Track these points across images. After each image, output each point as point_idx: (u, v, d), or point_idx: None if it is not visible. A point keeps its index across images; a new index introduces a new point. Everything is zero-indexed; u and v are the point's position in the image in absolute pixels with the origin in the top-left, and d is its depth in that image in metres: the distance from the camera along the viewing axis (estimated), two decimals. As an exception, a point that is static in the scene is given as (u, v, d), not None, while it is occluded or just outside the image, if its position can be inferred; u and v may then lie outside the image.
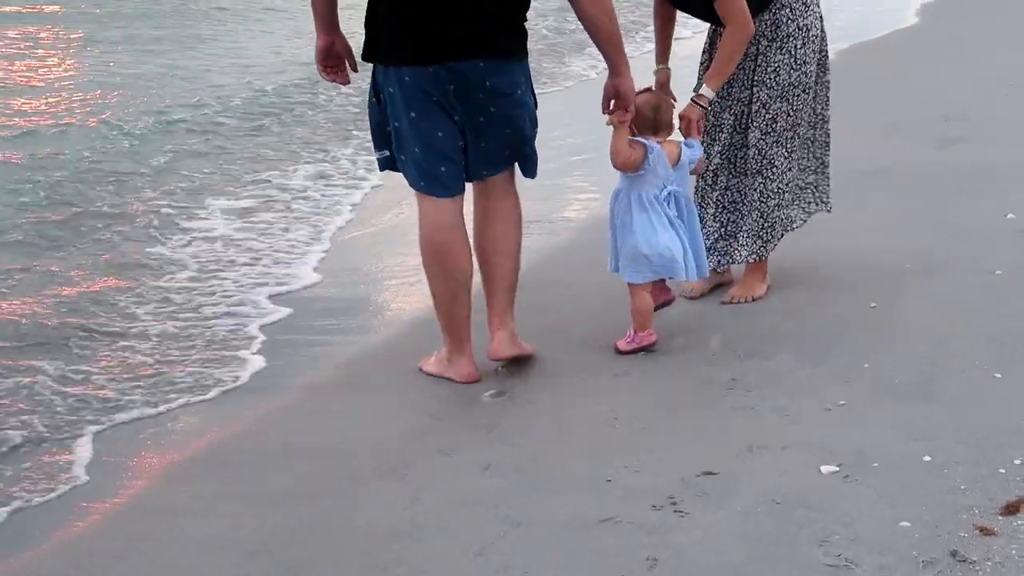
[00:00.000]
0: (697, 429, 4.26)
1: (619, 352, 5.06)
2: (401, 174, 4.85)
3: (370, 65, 4.75)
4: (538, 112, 4.90)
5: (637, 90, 4.93)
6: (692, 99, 5.28)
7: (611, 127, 4.88)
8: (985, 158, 7.66)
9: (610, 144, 4.92)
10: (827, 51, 5.50)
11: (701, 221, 5.41)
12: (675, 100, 5.31)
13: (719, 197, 5.55)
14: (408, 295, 6.01)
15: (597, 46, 4.78)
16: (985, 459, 3.85)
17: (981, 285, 5.47)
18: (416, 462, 4.17)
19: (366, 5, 4.66)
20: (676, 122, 5.19)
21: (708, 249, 5.45)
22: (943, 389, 4.44)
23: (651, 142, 4.97)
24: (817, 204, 5.66)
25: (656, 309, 5.13)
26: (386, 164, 4.89)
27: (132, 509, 4.03)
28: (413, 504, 3.85)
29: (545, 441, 4.27)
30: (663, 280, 5.14)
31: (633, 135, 4.97)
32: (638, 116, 4.94)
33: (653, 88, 5.18)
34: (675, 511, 3.67)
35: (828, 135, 5.61)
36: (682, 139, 5.19)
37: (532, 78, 4.89)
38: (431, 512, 3.79)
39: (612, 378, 4.79)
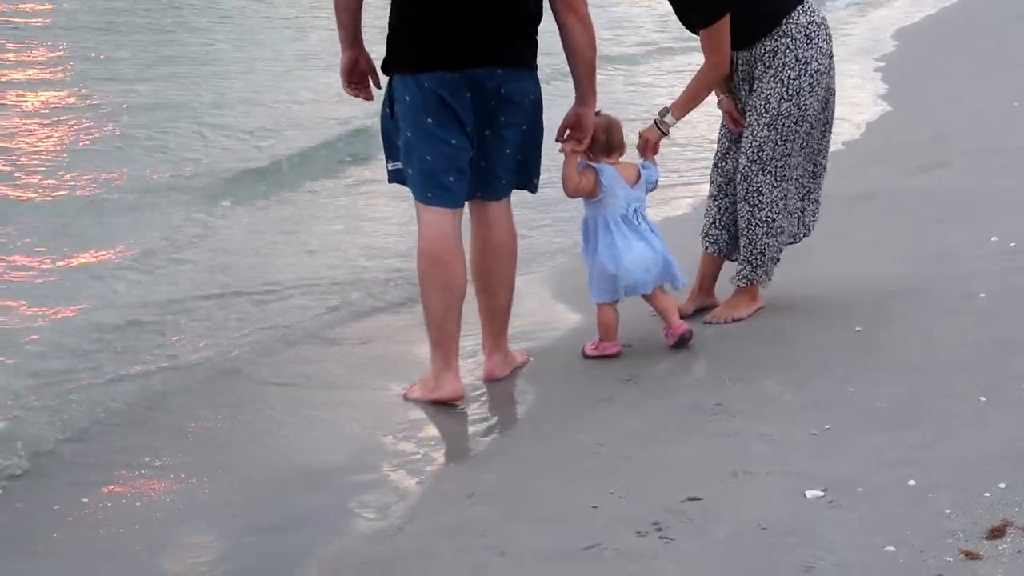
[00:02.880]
0: (681, 455, 4.25)
1: (585, 356, 5.23)
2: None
3: None
4: None
5: None
6: (655, 122, 5.36)
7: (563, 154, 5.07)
8: (969, 182, 7.69)
9: (561, 172, 5.07)
10: (833, 87, 5.49)
11: (720, 215, 5.63)
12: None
13: (729, 206, 5.63)
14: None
15: (573, 72, 4.92)
16: (970, 483, 3.83)
17: (965, 308, 5.47)
18: (400, 491, 4.16)
19: (388, 20, 4.80)
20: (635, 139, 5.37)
21: (712, 240, 5.65)
22: (927, 413, 4.43)
23: (602, 165, 5.10)
24: (799, 228, 5.67)
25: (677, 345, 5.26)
26: (396, 177, 4.98)
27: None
28: (397, 534, 3.83)
29: (529, 468, 4.25)
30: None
31: (589, 159, 5.10)
32: (592, 139, 5.08)
33: (601, 112, 5.21)
34: (660, 537, 3.64)
35: (822, 166, 5.63)
36: (639, 161, 5.30)
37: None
38: (415, 542, 3.76)
39: (596, 404, 4.77)
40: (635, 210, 5.15)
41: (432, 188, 4.78)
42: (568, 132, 5.04)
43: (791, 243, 5.66)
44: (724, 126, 5.64)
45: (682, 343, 5.21)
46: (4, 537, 3.93)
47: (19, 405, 4.90)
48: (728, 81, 5.48)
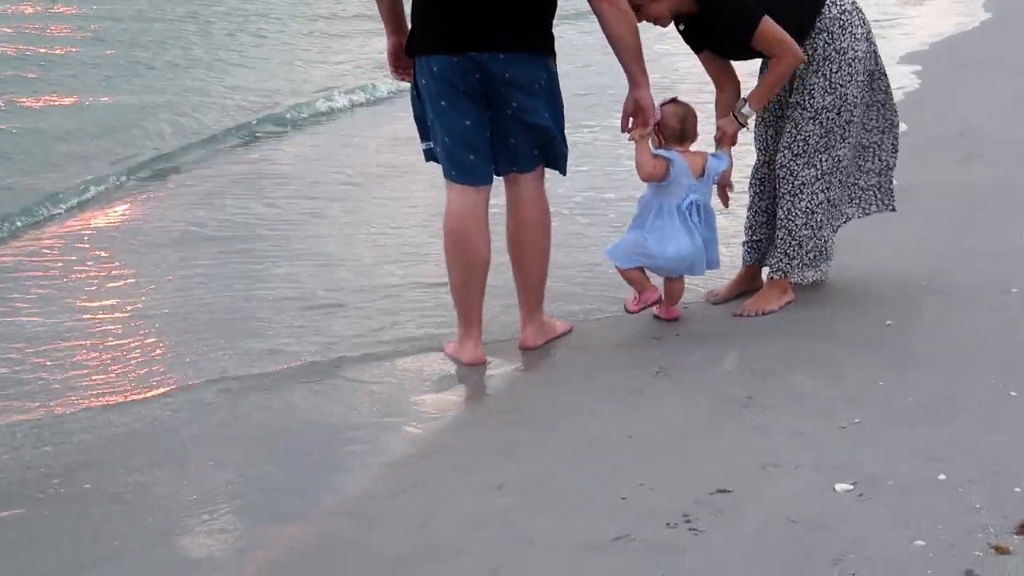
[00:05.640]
0: (711, 447, 4.25)
1: (628, 312, 5.41)
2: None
3: None
4: None
5: (662, 101, 5.19)
6: (732, 113, 5.38)
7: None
8: (1001, 177, 7.64)
9: (635, 158, 5.15)
10: (878, 68, 5.50)
11: (753, 214, 5.75)
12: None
13: (767, 206, 5.70)
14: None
15: (619, 58, 4.99)
16: (1001, 478, 3.83)
17: (997, 303, 5.46)
18: (428, 480, 4.17)
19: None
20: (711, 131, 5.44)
21: (748, 243, 5.75)
22: (958, 408, 4.42)
23: (674, 154, 5.16)
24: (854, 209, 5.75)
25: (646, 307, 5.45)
26: (430, 156, 5.17)
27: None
28: (425, 524, 3.84)
29: (559, 459, 4.26)
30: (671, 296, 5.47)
31: (660, 145, 5.19)
32: (665, 127, 5.16)
33: (677, 99, 5.30)
34: (689, 529, 3.65)
35: (884, 143, 5.67)
36: (711, 151, 5.36)
37: None
38: (443, 532, 3.77)
39: (626, 395, 4.78)
40: (692, 203, 5.22)
41: (454, 167, 4.99)
42: (632, 119, 5.13)
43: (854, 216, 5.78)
44: (759, 137, 5.66)
45: (645, 309, 5.44)
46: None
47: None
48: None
